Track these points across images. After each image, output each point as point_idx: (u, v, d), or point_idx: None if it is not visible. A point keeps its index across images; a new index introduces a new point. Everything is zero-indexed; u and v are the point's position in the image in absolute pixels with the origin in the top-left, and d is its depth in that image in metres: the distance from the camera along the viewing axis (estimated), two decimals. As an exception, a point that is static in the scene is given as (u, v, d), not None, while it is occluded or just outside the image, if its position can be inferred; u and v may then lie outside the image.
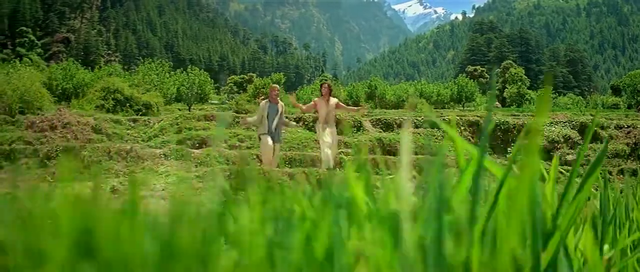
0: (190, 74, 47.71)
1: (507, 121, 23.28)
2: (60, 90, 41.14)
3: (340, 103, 13.99)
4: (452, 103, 60.81)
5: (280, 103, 13.72)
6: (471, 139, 21.77)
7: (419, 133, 21.72)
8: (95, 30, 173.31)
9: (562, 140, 21.63)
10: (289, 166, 15.49)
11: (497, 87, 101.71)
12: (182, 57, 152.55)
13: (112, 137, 19.59)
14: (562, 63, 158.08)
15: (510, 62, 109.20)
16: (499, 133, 22.45)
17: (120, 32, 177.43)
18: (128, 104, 30.83)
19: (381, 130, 22.62)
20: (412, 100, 52.48)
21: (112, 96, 32.73)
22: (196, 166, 12.19)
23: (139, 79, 47.91)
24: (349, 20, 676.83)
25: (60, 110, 20.39)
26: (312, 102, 13.84)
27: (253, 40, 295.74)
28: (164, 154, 12.97)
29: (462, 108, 58.73)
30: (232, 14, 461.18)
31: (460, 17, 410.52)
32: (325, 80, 18.83)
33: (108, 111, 27.06)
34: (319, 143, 13.92)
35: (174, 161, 12.76)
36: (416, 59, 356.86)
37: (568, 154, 20.53)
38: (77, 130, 18.49)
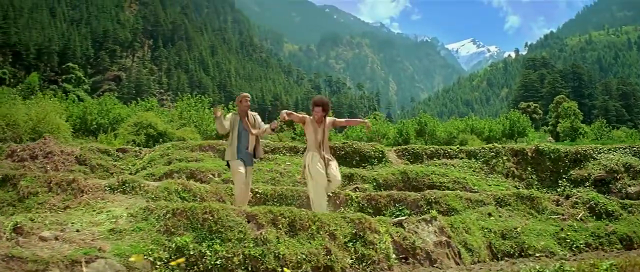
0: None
1: (557, 149, 19.43)
2: (95, 125, 39.81)
3: (338, 119, 11.37)
4: (504, 139, 58.30)
5: (254, 114, 11.23)
6: (515, 169, 18.75)
7: (453, 165, 18.88)
8: (147, 69, 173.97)
9: (622, 169, 18.03)
10: (275, 203, 12.50)
11: (550, 122, 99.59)
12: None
13: (96, 169, 17.95)
14: (614, 97, 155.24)
15: (563, 96, 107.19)
16: (548, 163, 18.80)
17: (172, 71, 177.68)
18: (161, 140, 29.52)
19: (407, 161, 19.31)
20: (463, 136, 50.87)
21: (145, 131, 31.68)
22: (148, 201, 9.70)
23: (176, 114, 46.72)
24: (403, 60, 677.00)
25: (45, 139, 18.54)
26: (302, 115, 10.81)
27: (307, 80, 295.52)
28: (109, 187, 10.59)
29: (514, 143, 54.11)
30: (286, 54, 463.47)
31: (513, 54, 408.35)
32: (320, 98, 11.31)
33: (138, 146, 25.90)
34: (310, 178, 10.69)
35: (122, 195, 10.38)
36: (470, 97, 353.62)
37: (630, 185, 17.40)
38: (59, 161, 17.15)
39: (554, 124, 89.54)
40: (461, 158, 19.51)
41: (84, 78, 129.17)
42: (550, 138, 69.87)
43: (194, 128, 40.66)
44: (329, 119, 10.79)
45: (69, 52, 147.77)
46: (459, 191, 15.08)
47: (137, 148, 22.38)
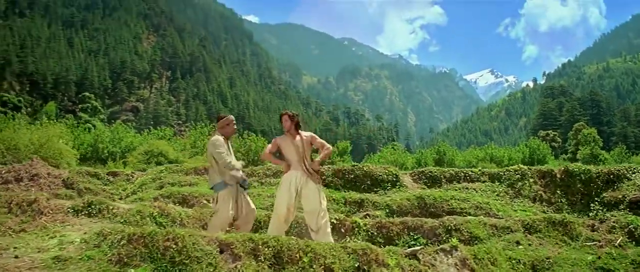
0: (246, 139, 43.40)
1: (588, 169, 17.04)
2: (106, 153, 38.92)
3: (317, 137, 9.69)
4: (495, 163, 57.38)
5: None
6: (543, 192, 16.59)
7: (475, 189, 16.78)
8: (165, 100, 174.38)
9: (659, 189, 15.72)
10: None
11: (569, 150, 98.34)
12: (253, 128, 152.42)
13: (83, 193, 16.15)
14: (633, 123, 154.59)
15: (583, 123, 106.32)
16: (579, 185, 16.49)
17: (190, 102, 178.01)
18: None
19: (424, 186, 17.14)
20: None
21: (155, 159, 30.95)
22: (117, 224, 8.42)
23: (190, 143, 45.77)
24: (422, 92, 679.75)
25: (32, 161, 17.44)
26: (271, 143, 9.67)
27: (325, 112, 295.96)
28: (72, 209, 9.23)
29: (540, 167, 52.87)
30: (305, 86, 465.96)
31: (531, 84, 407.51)
32: (286, 112, 10.06)
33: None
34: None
35: (86, 219, 9.03)
36: (489, 127, 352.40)
37: (666, 206, 14.95)
38: (45, 184, 16.10)
39: (574, 151, 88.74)
40: (483, 181, 17.46)
41: (100, 108, 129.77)
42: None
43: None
44: (307, 133, 9.57)
45: (87, 82, 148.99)
46: (482, 217, 13.16)
47: (129, 172, 20.98)
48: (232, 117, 9.90)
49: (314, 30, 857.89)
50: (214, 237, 6.82)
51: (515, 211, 15.37)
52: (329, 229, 9.22)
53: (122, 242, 6.41)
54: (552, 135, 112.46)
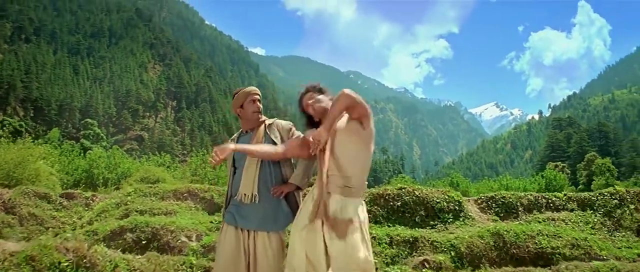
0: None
1: None
2: (102, 179, 37.74)
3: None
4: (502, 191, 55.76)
5: (272, 127, 5.67)
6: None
7: (563, 220, 12.88)
8: (170, 130, 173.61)
9: None
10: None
11: (581, 181, 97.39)
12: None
13: (26, 220, 13.78)
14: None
15: (594, 154, 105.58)
16: None
17: (195, 132, 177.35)
18: None
19: (496, 216, 13.19)
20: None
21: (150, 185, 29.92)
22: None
23: (190, 170, 44.53)
24: (427, 125, 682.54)
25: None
26: (298, 139, 5.40)
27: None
28: None
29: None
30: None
31: (536, 117, 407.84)
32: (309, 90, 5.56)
33: (143, 204, 23.88)
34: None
35: None
36: (494, 160, 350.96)
37: None
38: None
39: (585, 182, 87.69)
40: (571, 210, 13.53)
41: (103, 135, 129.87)
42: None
43: (208, 186, 38.29)
44: (343, 121, 5.16)
45: (91, 109, 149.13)
46: (585, 263, 9.80)
47: (89, 194, 16.95)
48: (250, 90, 5.79)
49: (320, 63, 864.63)
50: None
51: (619, 248, 11.48)
52: None
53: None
54: (560, 166, 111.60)
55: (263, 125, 5.67)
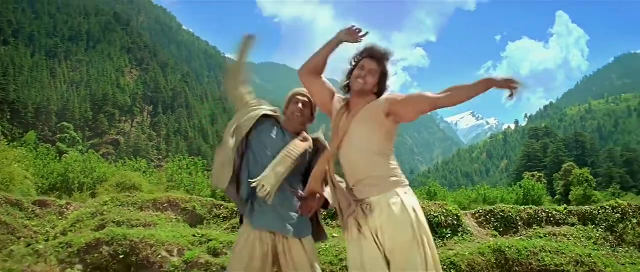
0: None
1: None
2: (77, 184, 37.11)
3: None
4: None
5: (304, 135, 5.14)
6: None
7: (564, 235, 12.31)
8: (146, 135, 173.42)
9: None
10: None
11: (558, 191, 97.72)
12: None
13: None
14: (618, 164, 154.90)
15: (572, 164, 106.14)
16: None
17: (171, 138, 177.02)
18: None
19: (495, 231, 12.67)
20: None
21: (128, 193, 29.24)
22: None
23: (166, 177, 43.95)
24: (403, 134, 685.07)
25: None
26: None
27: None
28: None
29: (530, 213, 51.39)
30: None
31: (513, 126, 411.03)
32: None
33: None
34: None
35: None
36: (470, 170, 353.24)
37: None
38: None
39: (563, 192, 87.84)
40: (572, 224, 12.94)
41: (79, 139, 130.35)
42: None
43: (184, 192, 37.68)
44: (374, 105, 4.47)
45: (68, 113, 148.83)
46: None
47: (63, 202, 15.75)
48: (299, 93, 5.27)
49: (297, 70, 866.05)
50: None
51: (624, 265, 10.84)
52: None
53: None
54: (537, 176, 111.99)
55: (307, 141, 5.09)
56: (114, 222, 12.52)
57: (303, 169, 5.01)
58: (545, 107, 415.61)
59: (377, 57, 4.59)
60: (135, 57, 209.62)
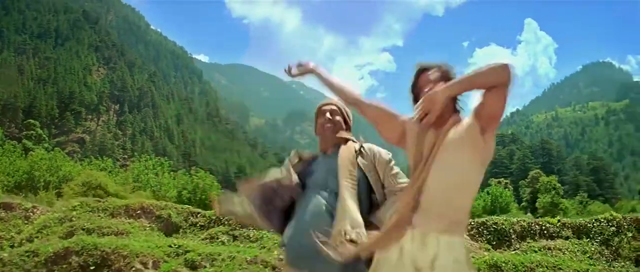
0: (193, 176, 39.68)
1: None
2: (43, 182, 36.54)
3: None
4: (485, 216, 55.22)
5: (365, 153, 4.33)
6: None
7: (559, 249, 12.06)
8: (112, 134, 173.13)
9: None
10: None
11: (524, 198, 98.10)
12: (199, 167, 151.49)
13: None
14: (584, 172, 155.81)
15: (538, 171, 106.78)
16: None
17: (136, 137, 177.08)
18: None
19: (487, 244, 12.41)
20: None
21: (93, 192, 28.44)
22: None
23: (132, 177, 43.48)
24: (368, 137, 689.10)
25: None
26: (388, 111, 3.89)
27: (272, 154, 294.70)
28: None
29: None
30: (252, 127, 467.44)
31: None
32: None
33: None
34: None
35: None
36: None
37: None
38: None
39: (529, 200, 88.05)
40: (567, 238, 12.63)
41: (45, 136, 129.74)
42: (529, 215, 67.87)
43: (150, 193, 37.19)
44: (457, 123, 3.51)
45: (35, 110, 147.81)
46: None
47: (29, 205, 14.94)
48: (328, 105, 4.58)
49: (264, 72, 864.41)
50: None
51: None
52: None
53: None
54: (504, 182, 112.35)
55: (352, 146, 4.31)
56: (83, 230, 12.01)
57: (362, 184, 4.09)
58: (512, 113, 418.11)
59: (429, 68, 3.82)
60: (102, 55, 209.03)
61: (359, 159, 4.16)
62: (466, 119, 3.47)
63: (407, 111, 3.71)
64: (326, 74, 4.16)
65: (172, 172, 46.49)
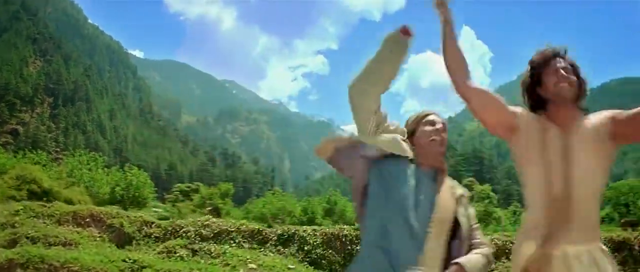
0: (127, 173, 40.48)
1: None
2: (-26, 177, 36.01)
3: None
4: None
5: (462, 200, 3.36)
6: None
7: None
8: (45, 126, 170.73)
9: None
10: None
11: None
12: (131, 163, 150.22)
13: None
14: (516, 181, 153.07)
15: (472, 179, 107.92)
16: None
17: (69, 130, 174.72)
18: (45, 199, 25.98)
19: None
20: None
21: (28, 187, 28.09)
22: None
23: (66, 171, 43.06)
24: (299, 139, 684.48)
25: None
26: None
27: (202, 152, 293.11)
28: None
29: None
30: (184, 124, 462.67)
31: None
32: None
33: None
34: None
35: None
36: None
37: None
38: None
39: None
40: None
41: None
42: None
43: (84, 189, 37.01)
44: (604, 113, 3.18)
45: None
46: None
47: None
48: (434, 113, 3.72)
49: (197, 70, 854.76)
50: None
51: None
52: None
53: None
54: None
55: (451, 187, 3.43)
56: (28, 238, 11.31)
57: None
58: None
59: (562, 54, 3.32)
60: (39, 47, 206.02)
61: (460, 209, 3.28)
62: (599, 116, 3.14)
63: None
64: (454, 32, 3.48)
65: (105, 169, 46.23)
